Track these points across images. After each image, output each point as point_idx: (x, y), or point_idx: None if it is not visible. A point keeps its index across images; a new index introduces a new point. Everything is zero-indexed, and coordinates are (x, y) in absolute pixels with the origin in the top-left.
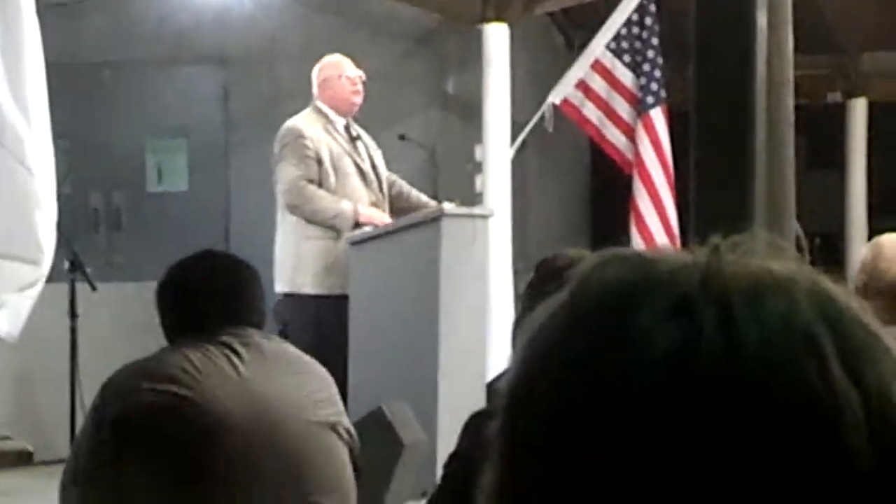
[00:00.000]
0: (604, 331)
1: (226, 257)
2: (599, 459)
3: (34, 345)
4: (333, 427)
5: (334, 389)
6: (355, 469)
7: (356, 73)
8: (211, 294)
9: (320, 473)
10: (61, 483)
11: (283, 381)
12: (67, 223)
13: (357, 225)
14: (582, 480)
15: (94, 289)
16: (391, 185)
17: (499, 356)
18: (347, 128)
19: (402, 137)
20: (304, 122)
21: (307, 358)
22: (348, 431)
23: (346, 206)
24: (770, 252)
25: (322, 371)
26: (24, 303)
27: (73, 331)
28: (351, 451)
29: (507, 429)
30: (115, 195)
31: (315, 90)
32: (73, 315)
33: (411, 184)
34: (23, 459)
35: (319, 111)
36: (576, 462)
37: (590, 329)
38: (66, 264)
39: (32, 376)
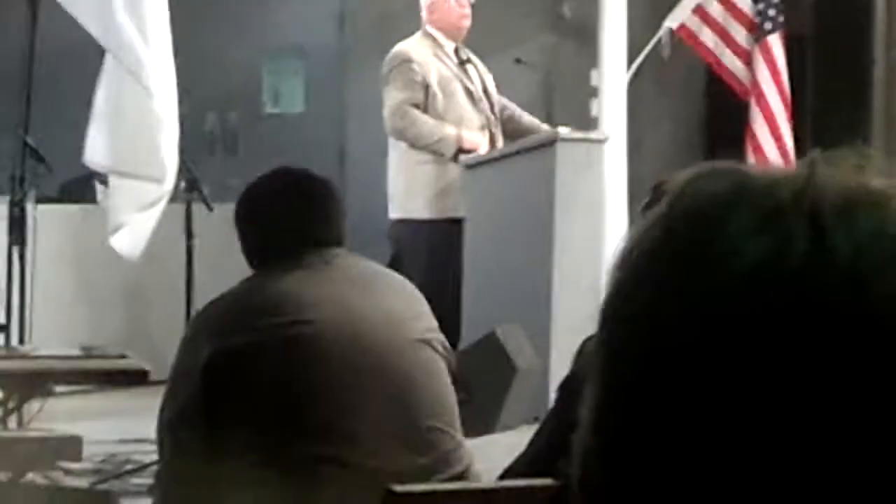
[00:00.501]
0: (694, 242)
1: (304, 175)
2: (690, 370)
3: (150, 264)
4: (429, 342)
5: (426, 305)
6: (455, 382)
7: None
8: (292, 215)
9: (424, 392)
10: (158, 424)
11: (374, 300)
12: (183, 144)
13: (460, 150)
14: (674, 391)
15: (210, 209)
16: (503, 108)
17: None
18: (457, 51)
19: (517, 61)
20: (412, 46)
21: (395, 275)
22: (443, 345)
23: (449, 130)
24: (870, 168)
25: (411, 287)
26: (147, 223)
27: (190, 251)
28: (448, 364)
29: (602, 343)
30: (231, 116)
31: (424, 14)
32: (190, 235)
33: (525, 108)
34: (139, 378)
35: (429, 35)
36: (668, 372)
37: (681, 240)
38: (183, 184)
39: (148, 296)
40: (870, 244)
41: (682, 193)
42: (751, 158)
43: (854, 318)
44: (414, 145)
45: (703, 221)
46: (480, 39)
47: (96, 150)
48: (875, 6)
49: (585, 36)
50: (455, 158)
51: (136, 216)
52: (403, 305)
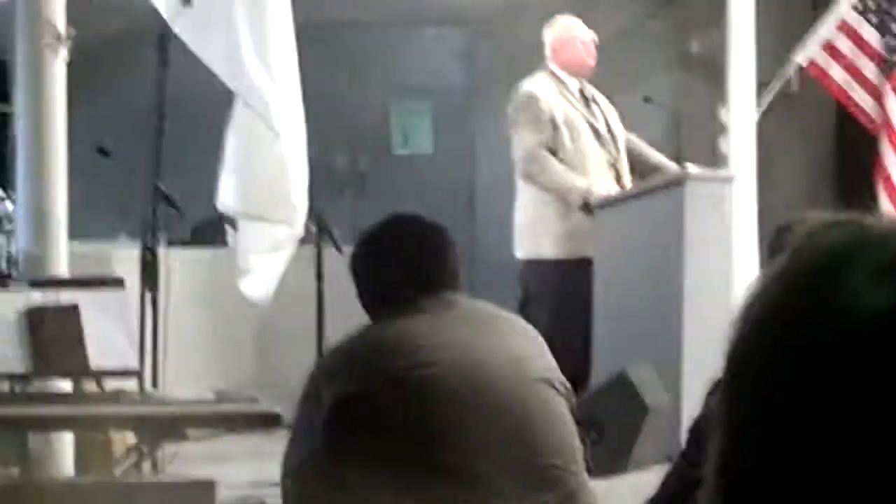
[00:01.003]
0: (816, 295)
1: (418, 221)
2: (814, 418)
3: (281, 307)
4: (548, 381)
5: (544, 345)
6: (577, 422)
7: (589, 35)
8: (409, 261)
9: (545, 432)
10: (282, 475)
11: (492, 341)
12: (313, 186)
13: (587, 203)
14: (797, 438)
15: (340, 251)
16: (631, 146)
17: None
18: (581, 90)
19: (646, 100)
20: (537, 85)
21: (511, 315)
22: (564, 385)
23: (580, 182)
24: None
25: (528, 327)
26: (276, 267)
27: (320, 293)
28: (570, 403)
29: (726, 391)
30: (361, 158)
31: (548, 52)
32: (320, 277)
33: (654, 146)
34: (271, 422)
35: (553, 74)
36: (791, 421)
37: (802, 293)
38: (313, 227)
39: (279, 339)
40: None
41: (801, 247)
42: (881, 193)
43: None
44: (543, 190)
45: (823, 274)
46: (608, 77)
47: (228, 194)
48: None
49: (713, 72)
50: (582, 209)
51: (264, 260)
52: (522, 346)
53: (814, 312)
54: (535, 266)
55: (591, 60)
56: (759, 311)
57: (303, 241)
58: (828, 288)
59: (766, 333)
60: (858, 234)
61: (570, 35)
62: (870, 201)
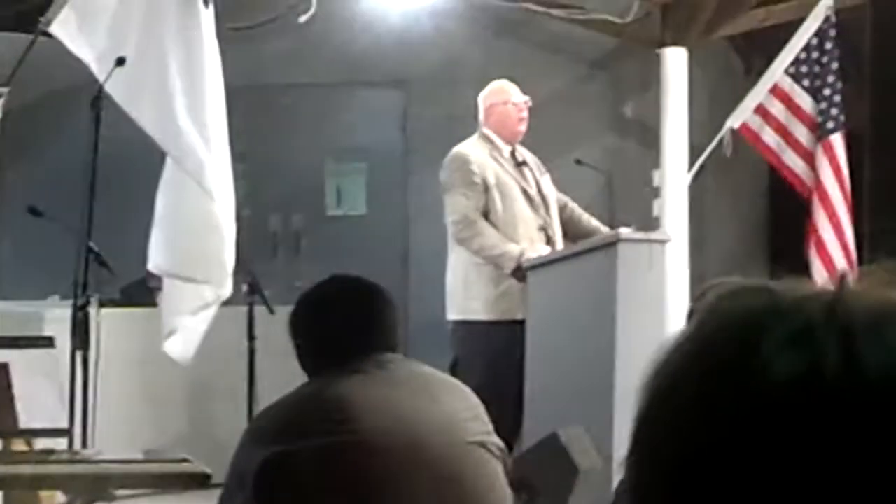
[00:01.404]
0: (727, 360)
1: (357, 282)
2: (723, 484)
3: (213, 367)
4: (483, 444)
5: (481, 408)
6: (511, 485)
7: (522, 100)
8: (348, 321)
9: (478, 495)
10: None
11: (427, 402)
12: (247, 246)
13: (519, 268)
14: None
15: (272, 312)
16: (563, 208)
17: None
18: (513, 153)
19: (578, 162)
20: (470, 148)
21: (447, 377)
22: (499, 447)
23: (512, 248)
24: None
25: (464, 389)
26: (199, 326)
27: (251, 353)
28: (504, 466)
29: (636, 458)
30: (295, 218)
31: (481, 116)
32: (252, 337)
33: (587, 208)
34: (201, 481)
35: (486, 137)
36: (701, 488)
37: (713, 359)
38: (245, 287)
39: (211, 398)
40: None
41: (713, 310)
42: (813, 256)
43: (887, 431)
44: (476, 255)
45: (736, 338)
46: (542, 139)
47: (158, 254)
48: None
49: (647, 136)
50: (513, 275)
51: (188, 320)
52: (458, 408)
53: (727, 375)
54: (466, 327)
55: (523, 126)
56: (669, 377)
57: (235, 301)
58: (742, 351)
59: (678, 395)
60: (770, 299)
61: (503, 100)
62: (802, 264)
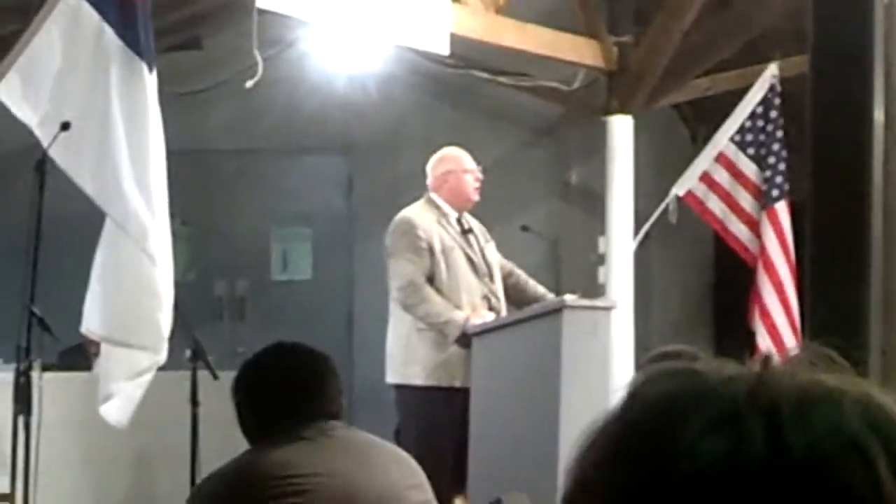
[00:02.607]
0: (653, 441)
1: (301, 350)
2: None
3: (156, 432)
4: None
5: (423, 476)
6: None
7: (475, 167)
8: (290, 389)
9: None
10: None
11: (369, 471)
12: (191, 311)
13: (463, 335)
14: None
15: (215, 377)
16: (508, 274)
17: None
18: (459, 220)
19: (524, 228)
20: (416, 213)
21: (390, 445)
22: None
23: (457, 315)
24: (824, 364)
25: (407, 457)
26: (135, 391)
27: (195, 418)
28: None
29: None
30: (240, 283)
31: (430, 182)
32: (195, 402)
33: (533, 275)
34: None
35: (432, 203)
36: None
37: (639, 440)
38: (188, 353)
39: (154, 464)
40: (825, 439)
41: (633, 397)
42: (757, 324)
43: None
44: (421, 321)
45: (660, 421)
46: (488, 206)
47: (93, 319)
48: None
49: (593, 203)
50: (457, 342)
51: (124, 384)
52: (400, 476)
53: (653, 458)
54: (406, 392)
55: (475, 194)
56: (591, 463)
57: (178, 366)
58: (667, 434)
59: (603, 477)
60: (693, 383)
61: (461, 168)
62: (747, 331)
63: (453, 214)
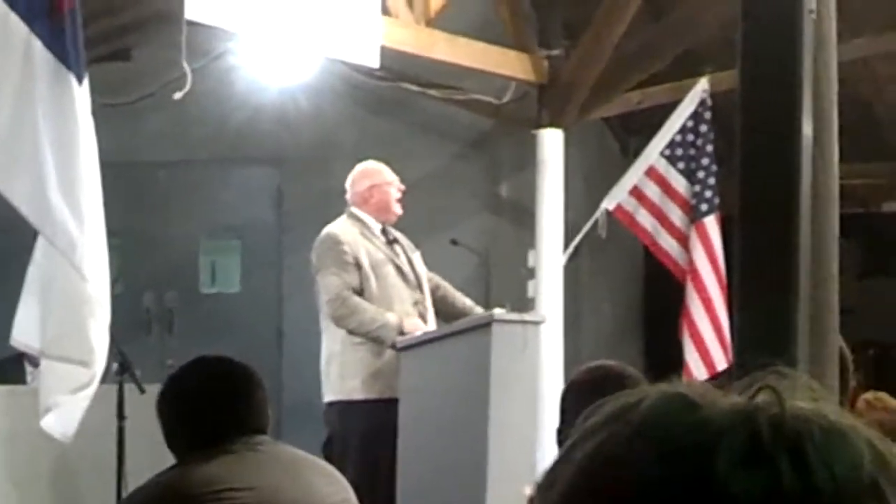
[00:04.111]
0: (682, 478)
1: (225, 363)
2: None
3: (81, 446)
4: None
5: (351, 491)
6: None
7: (396, 180)
8: (215, 403)
9: None
10: None
11: (297, 485)
12: (119, 324)
13: (401, 334)
14: None
15: (142, 391)
16: (436, 288)
17: (549, 462)
18: (384, 230)
19: (454, 242)
20: (340, 228)
21: (317, 460)
22: None
23: (390, 317)
24: (807, 391)
25: (335, 472)
26: (79, 404)
27: (121, 432)
28: None
29: None
30: (168, 295)
31: (351, 197)
32: (122, 416)
33: (462, 289)
34: None
35: (355, 217)
36: None
37: (672, 474)
38: (115, 366)
39: (79, 478)
40: (849, 480)
41: (642, 424)
42: (686, 338)
43: None
44: (355, 332)
45: (683, 454)
46: (417, 220)
47: (25, 332)
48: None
49: (522, 217)
50: (394, 346)
51: (66, 398)
52: (328, 492)
53: (680, 497)
54: (342, 407)
55: (398, 207)
56: (615, 487)
57: (105, 379)
58: (698, 469)
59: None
60: (700, 413)
61: (386, 181)
62: (676, 345)
63: (377, 227)
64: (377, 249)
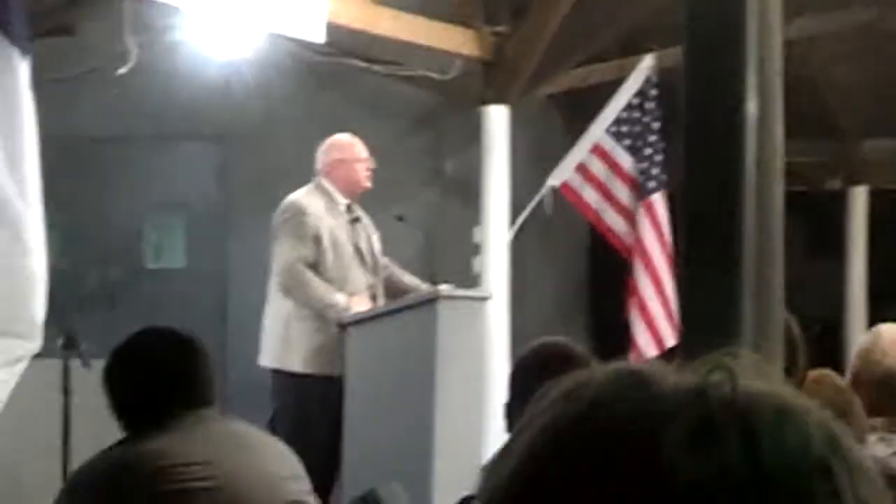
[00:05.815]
0: (627, 457)
1: (172, 334)
2: None
3: (25, 422)
4: (304, 503)
5: (299, 466)
6: None
7: (366, 155)
8: (162, 375)
9: None
10: None
11: (245, 460)
12: (63, 299)
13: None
14: None
15: (87, 366)
16: (383, 267)
17: (495, 438)
18: (349, 208)
19: (399, 218)
20: (305, 198)
21: (266, 435)
22: None
23: (339, 298)
24: (759, 371)
25: (283, 447)
26: (10, 379)
27: (66, 407)
28: None
29: None
30: (112, 271)
31: (321, 167)
32: (66, 392)
33: (407, 265)
34: None
35: (323, 189)
36: None
37: (620, 453)
38: (60, 341)
39: (22, 454)
40: (799, 461)
41: (592, 402)
42: (633, 315)
43: None
44: (301, 306)
45: (632, 434)
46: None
47: None
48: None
49: (468, 193)
50: (340, 324)
51: (4, 371)
52: (277, 466)
53: (627, 476)
54: (282, 378)
55: (367, 182)
56: (555, 470)
57: (49, 355)
58: (643, 449)
59: (567, 488)
60: (653, 390)
61: (355, 157)
62: (622, 322)
63: (343, 202)
64: (339, 227)
